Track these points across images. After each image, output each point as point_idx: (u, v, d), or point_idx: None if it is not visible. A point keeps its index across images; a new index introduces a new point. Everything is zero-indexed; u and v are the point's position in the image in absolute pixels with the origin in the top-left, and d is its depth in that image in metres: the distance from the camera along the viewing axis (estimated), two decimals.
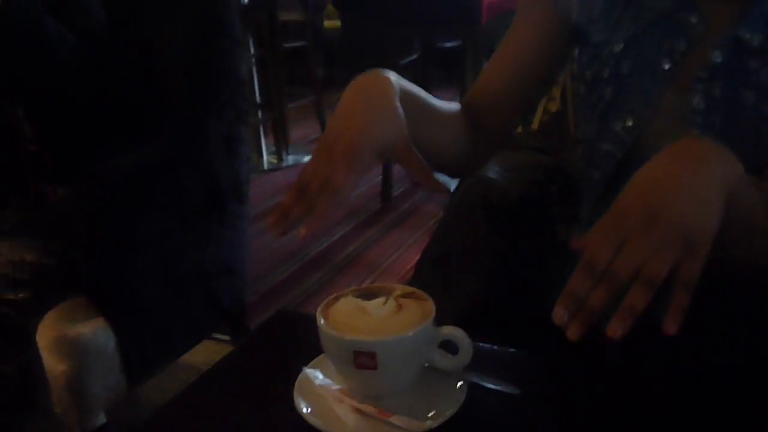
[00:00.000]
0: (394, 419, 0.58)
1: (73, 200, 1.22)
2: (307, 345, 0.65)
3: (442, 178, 0.80)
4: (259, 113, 3.68)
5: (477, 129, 0.89)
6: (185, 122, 1.33)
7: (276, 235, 0.66)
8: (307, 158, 3.52)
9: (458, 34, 3.11)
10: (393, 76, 0.73)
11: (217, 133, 1.36)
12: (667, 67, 0.76)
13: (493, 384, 0.63)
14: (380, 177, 3.00)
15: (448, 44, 3.63)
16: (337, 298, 0.63)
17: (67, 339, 1.15)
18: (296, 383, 0.63)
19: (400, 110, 0.69)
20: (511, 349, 0.74)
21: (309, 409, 0.60)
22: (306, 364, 0.66)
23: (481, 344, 0.70)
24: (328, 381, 0.63)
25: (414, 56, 3.69)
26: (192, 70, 1.35)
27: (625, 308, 0.51)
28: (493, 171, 1.07)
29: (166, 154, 1.30)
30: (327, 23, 5.94)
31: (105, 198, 1.21)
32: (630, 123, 0.79)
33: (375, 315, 0.59)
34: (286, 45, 3.76)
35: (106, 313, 1.20)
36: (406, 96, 0.73)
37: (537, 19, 0.88)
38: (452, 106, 0.88)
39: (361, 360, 0.56)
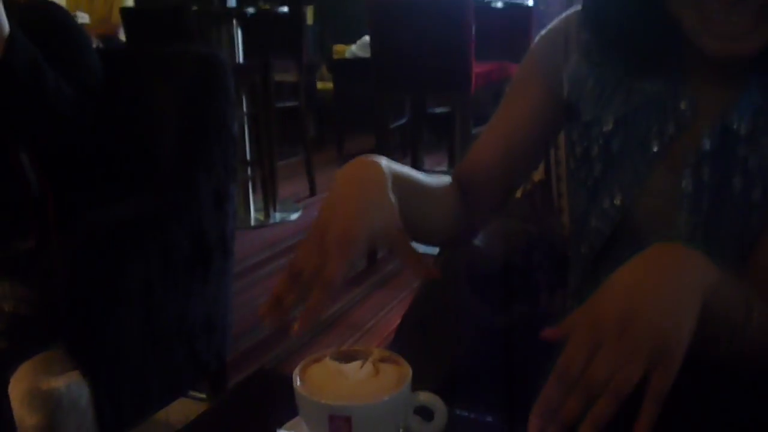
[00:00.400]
0: None
1: (58, 250, 1.22)
2: (283, 406, 0.65)
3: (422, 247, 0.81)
4: (249, 170, 3.71)
5: (468, 201, 0.90)
6: (175, 177, 1.35)
7: (268, 323, 0.65)
8: (294, 216, 3.56)
9: (448, 101, 3.18)
10: (384, 161, 0.74)
11: (206, 189, 1.38)
12: (656, 149, 0.78)
13: None
14: None
15: (438, 110, 3.71)
16: (314, 360, 0.63)
17: (39, 392, 1.13)
18: None
19: (393, 197, 0.70)
20: (488, 418, 0.74)
21: None
22: (281, 426, 0.65)
23: (457, 411, 0.70)
24: None
25: (404, 120, 3.76)
26: (185, 126, 1.38)
27: (591, 420, 0.52)
28: (477, 238, 1.08)
29: (155, 208, 1.31)
30: (320, 84, 6.06)
31: (89, 249, 1.21)
32: (618, 201, 0.81)
33: (352, 378, 0.59)
34: (279, 105, 3.82)
35: (83, 366, 1.18)
36: (397, 179, 0.73)
37: (529, 95, 0.90)
38: (443, 180, 0.89)
39: (335, 424, 0.56)
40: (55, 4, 1.39)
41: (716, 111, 0.75)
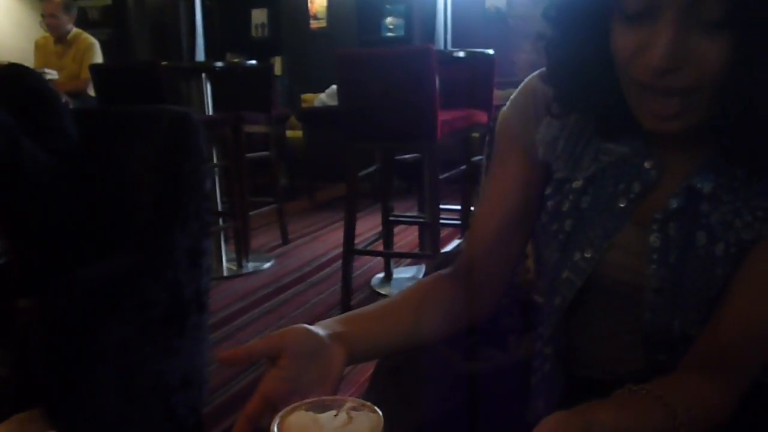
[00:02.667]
0: None
1: (35, 311, 1.23)
2: None
3: None
4: (221, 221, 3.73)
5: (475, 281, 0.93)
6: (151, 235, 1.38)
7: None
8: (267, 265, 3.55)
9: (416, 149, 3.25)
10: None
11: (181, 246, 1.41)
12: (623, 205, 0.83)
13: None
14: (340, 286, 3.04)
15: (407, 156, 3.78)
16: (291, 411, 0.66)
17: None
18: None
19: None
20: None
21: None
22: None
23: None
24: None
25: (373, 168, 3.82)
26: (159, 186, 1.41)
27: None
28: None
29: (131, 266, 1.33)
30: (290, 133, 6.14)
31: (66, 309, 1.22)
32: (588, 254, 0.85)
33: (327, 427, 0.62)
34: (250, 155, 3.87)
35: (61, 426, 1.19)
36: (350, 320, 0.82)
37: (510, 164, 0.94)
38: (427, 282, 0.94)
39: None
40: (29, 69, 1.42)
41: (681, 171, 0.81)
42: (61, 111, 1.37)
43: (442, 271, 0.96)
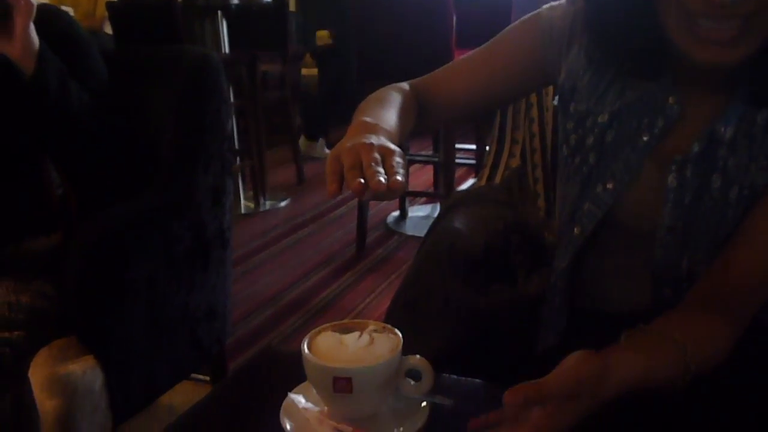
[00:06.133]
0: None
1: (69, 246, 1.30)
2: (290, 378, 0.75)
3: None
4: (238, 160, 3.78)
5: (421, 109, 0.99)
6: (175, 175, 1.42)
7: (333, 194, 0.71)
8: (283, 203, 3.59)
9: None
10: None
11: (204, 185, 1.46)
12: (646, 139, 0.85)
13: (453, 405, 0.72)
14: (356, 224, 3.10)
15: None
16: (318, 332, 0.73)
17: (58, 376, 1.21)
18: (282, 406, 0.72)
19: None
20: (470, 379, 0.84)
21: (293, 429, 0.69)
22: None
23: (444, 375, 0.80)
24: (310, 404, 0.72)
25: None
26: (183, 126, 1.45)
27: None
28: (459, 222, 1.16)
29: (157, 205, 1.39)
30: (305, 71, 6.11)
31: (98, 245, 1.28)
32: (611, 186, 0.88)
33: (351, 346, 0.69)
34: (265, 95, 3.89)
35: (96, 352, 1.27)
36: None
37: (521, 54, 0.96)
38: (401, 90, 0.99)
39: (338, 385, 0.66)
40: (59, 10, 1.44)
41: (703, 115, 0.83)
42: (93, 52, 1.40)
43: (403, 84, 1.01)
